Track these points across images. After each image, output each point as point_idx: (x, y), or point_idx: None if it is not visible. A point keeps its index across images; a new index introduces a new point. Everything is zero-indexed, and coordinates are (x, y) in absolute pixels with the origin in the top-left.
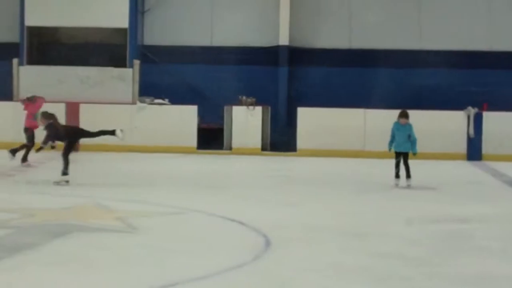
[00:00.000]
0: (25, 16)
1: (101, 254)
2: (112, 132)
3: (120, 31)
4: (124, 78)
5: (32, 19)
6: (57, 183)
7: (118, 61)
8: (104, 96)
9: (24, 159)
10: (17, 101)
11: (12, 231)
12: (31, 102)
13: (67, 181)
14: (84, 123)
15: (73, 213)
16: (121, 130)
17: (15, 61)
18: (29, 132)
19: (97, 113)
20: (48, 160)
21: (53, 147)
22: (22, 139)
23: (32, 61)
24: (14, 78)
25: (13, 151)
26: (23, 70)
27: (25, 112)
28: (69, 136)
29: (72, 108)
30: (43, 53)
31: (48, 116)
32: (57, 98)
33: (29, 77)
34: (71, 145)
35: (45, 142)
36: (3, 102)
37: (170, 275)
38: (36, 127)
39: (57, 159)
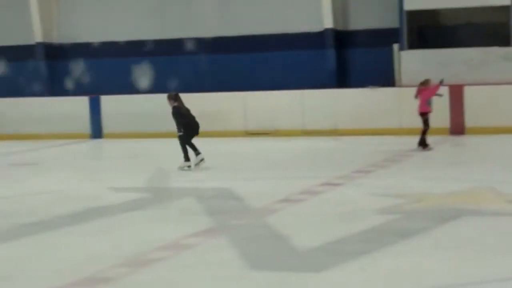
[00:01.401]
0: (404, 0)
1: (496, 239)
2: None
3: (502, 9)
4: (509, 58)
5: (411, 3)
6: (181, 168)
7: (502, 40)
8: (489, 77)
9: (422, 143)
10: (400, 86)
11: (400, 216)
12: (425, 86)
13: (189, 166)
14: (469, 106)
15: (463, 197)
16: (202, 159)
17: (395, 46)
18: (425, 116)
19: (482, 95)
20: (437, 145)
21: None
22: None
23: (412, 45)
24: (395, 64)
25: (422, 144)
26: (403, 55)
27: (419, 97)
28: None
29: (456, 91)
30: (423, 37)
31: (174, 97)
32: None
33: (410, 62)
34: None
35: (179, 130)
36: (385, 88)
37: None
38: (429, 111)
39: (444, 143)
